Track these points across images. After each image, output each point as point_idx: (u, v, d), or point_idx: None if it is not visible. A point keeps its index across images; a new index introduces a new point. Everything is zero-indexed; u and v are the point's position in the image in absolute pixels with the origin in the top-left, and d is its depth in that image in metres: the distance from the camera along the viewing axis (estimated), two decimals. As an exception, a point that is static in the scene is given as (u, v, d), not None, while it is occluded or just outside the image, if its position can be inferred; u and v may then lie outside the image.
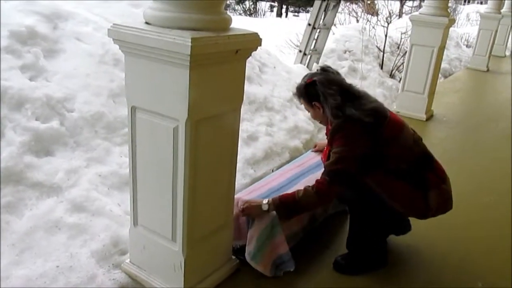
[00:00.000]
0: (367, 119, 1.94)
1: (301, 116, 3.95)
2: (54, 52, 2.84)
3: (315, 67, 5.44)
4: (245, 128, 3.33)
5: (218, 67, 1.64)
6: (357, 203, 2.12)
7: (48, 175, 2.26)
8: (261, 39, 1.73)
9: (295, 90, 2.26)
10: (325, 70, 2.15)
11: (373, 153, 1.96)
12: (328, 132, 2.15)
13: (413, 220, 2.40)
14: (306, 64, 5.37)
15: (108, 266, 2.03)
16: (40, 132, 2.36)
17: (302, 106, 2.34)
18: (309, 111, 2.25)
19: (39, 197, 2.17)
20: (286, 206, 2.03)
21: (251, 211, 2.09)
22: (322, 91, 2.05)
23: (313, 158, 2.70)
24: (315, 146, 2.89)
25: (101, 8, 3.47)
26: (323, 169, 2.05)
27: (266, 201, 2.06)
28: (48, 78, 2.66)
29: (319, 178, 2.01)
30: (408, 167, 2.02)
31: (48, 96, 2.52)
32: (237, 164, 2.06)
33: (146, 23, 1.62)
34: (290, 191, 2.27)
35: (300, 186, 2.36)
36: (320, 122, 2.27)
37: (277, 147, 3.38)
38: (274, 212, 2.07)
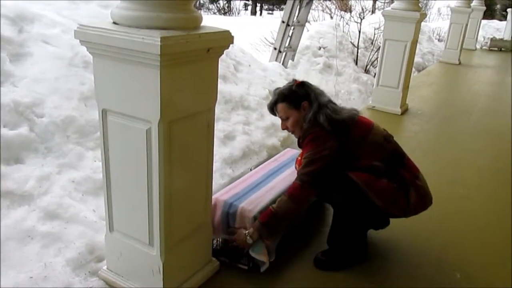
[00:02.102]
0: (328, 128, 2.02)
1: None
2: (20, 56, 2.75)
3: (290, 64, 5.45)
4: (221, 127, 3.30)
5: (190, 66, 1.61)
6: (340, 200, 2.11)
7: (19, 183, 2.19)
8: (233, 37, 1.70)
9: (274, 97, 2.22)
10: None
11: (343, 153, 2.03)
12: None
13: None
14: (281, 62, 5.38)
15: (84, 274, 1.98)
16: (8, 139, 2.29)
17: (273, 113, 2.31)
18: (287, 118, 2.19)
19: (10, 206, 2.10)
20: (267, 225, 2.02)
21: (243, 245, 2.05)
22: (313, 90, 2.15)
23: (289, 152, 2.70)
24: None
25: (69, 10, 3.39)
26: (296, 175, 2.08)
27: (247, 233, 2.02)
28: (15, 83, 2.58)
29: (292, 183, 2.05)
30: (382, 164, 2.05)
31: (16, 102, 2.44)
32: (215, 164, 2.04)
33: (114, 23, 1.57)
34: (268, 186, 2.29)
35: (277, 181, 2.36)
36: (294, 132, 2.22)
37: (255, 145, 3.37)
38: (253, 213, 2.06)
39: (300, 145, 2.17)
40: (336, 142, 2.03)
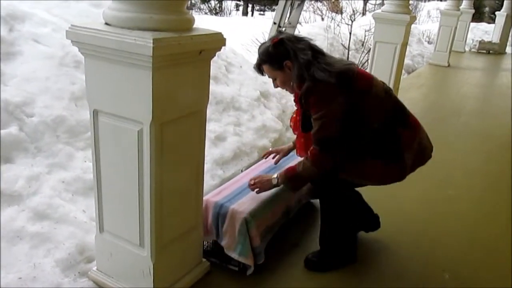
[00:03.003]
0: (333, 80, 1.87)
1: (269, 115, 3.96)
2: (10, 55, 2.73)
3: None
4: (212, 128, 3.30)
5: (182, 68, 1.62)
6: (328, 196, 2.12)
7: (8, 183, 2.17)
8: (225, 39, 1.71)
9: (258, 59, 2.06)
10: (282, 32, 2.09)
11: (351, 109, 1.90)
12: (297, 98, 2.06)
13: (382, 215, 2.44)
14: (272, 63, 5.38)
15: (74, 275, 1.97)
16: (-2, 139, 2.27)
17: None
18: (275, 79, 2.07)
19: (-1, 206, 2.08)
20: (291, 180, 2.05)
21: (263, 186, 2.13)
22: (292, 47, 1.96)
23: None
24: (266, 155, 2.61)
25: (60, 8, 3.36)
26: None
27: (276, 176, 2.09)
28: (5, 82, 2.56)
29: (311, 148, 1.97)
30: (381, 126, 1.97)
31: (6, 101, 2.42)
32: (206, 165, 2.04)
33: (106, 24, 1.57)
34: None
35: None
36: (286, 89, 2.12)
37: (246, 146, 3.37)
38: (243, 215, 2.06)
39: (301, 99, 1.98)
40: (343, 97, 1.87)
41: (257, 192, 2.18)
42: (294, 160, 2.61)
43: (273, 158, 2.55)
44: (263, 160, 2.64)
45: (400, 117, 2.06)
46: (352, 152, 1.98)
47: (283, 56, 1.97)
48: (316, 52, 1.98)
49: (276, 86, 2.13)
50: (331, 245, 2.21)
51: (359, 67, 2.06)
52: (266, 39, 2.05)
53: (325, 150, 1.93)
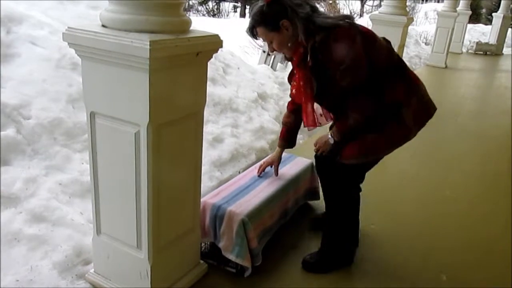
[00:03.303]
0: (344, 23, 1.78)
1: (267, 116, 3.96)
2: (7, 57, 2.73)
3: (279, 67, 5.46)
4: (210, 130, 3.30)
5: (179, 70, 1.62)
6: (338, 196, 2.12)
7: (5, 186, 2.16)
8: (222, 41, 1.71)
9: (250, 21, 1.90)
10: None
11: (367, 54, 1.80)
12: (298, 60, 1.92)
13: (379, 216, 2.44)
14: (270, 65, 5.39)
15: (71, 277, 1.96)
16: (-5, 141, 2.27)
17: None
18: (271, 41, 1.91)
19: (-4, 208, 2.08)
20: (345, 133, 1.93)
21: (325, 146, 2.02)
22: (289, 4, 1.81)
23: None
24: (261, 171, 2.49)
25: (57, 11, 3.37)
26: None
27: (330, 135, 1.98)
28: (2, 84, 2.56)
29: (351, 100, 1.87)
30: (383, 76, 1.86)
31: (3, 103, 2.42)
32: (203, 167, 2.04)
33: (103, 26, 1.57)
34: (256, 189, 2.31)
35: (265, 184, 2.36)
36: (284, 52, 1.97)
37: (243, 148, 3.38)
38: (241, 217, 2.06)
39: (298, 64, 1.91)
40: (359, 36, 1.77)
41: (323, 154, 2.07)
42: (290, 163, 2.61)
43: (270, 169, 2.50)
44: (261, 161, 2.64)
45: (400, 71, 1.96)
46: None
47: (279, 15, 1.82)
48: (313, 7, 1.87)
49: (272, 50, 1.97)
50: (333, 246, 2.21)
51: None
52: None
53: (365, 92, 1.82)
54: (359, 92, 1.83)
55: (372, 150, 1.97)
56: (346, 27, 1.77)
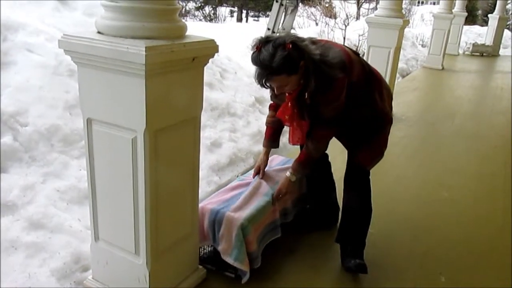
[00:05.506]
0: (341, 75, 1.92)
1: (264, 120, 3.95)
2: (4, 65, 2.73)
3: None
4: (208, 135, 3.30)
5: (175, 75, 1.62)
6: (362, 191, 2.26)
7: (3, 193, 2.16)
8: (218, 46, 1.71)
9: (268, 71, 1.85)
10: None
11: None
12: (295, 95, 2.00)
13: (377, 217, 2.44)
14: (267, 68, 5.39)
15: (69, 284, 1.96)
16: (-8, 149, 2.27)
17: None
18: (286, 85, 1.92)
19: (-7, 216, 2.08)
20: (305, 165, 2.20)
21: (287, 190, 2.27)
22: (303, 46, 1.86)
23: (275, 159, 2.71)
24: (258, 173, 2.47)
25: (53, 18, 3.37)
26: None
27: (289, 174, 2.24)
28: (-1, 92, 2.56)
29: (318, 129, 2.11)
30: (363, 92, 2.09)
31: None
32: (201, 172, 2.04)
33: (99, 32, 1.58)
34: (260, 192, 2.32)
35: (263, 188, 2.36)
36: (287, 91, 1.99)
37: (241, 152, 3.38)
38: (240, 221, 2.06)
39: (294, 97, 2.01)
40: (347, 82, 1.98)
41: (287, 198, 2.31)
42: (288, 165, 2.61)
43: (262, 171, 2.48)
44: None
45: (372, 76, 2.17)
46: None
47: (299, 59, 1.85)
48: (317, 46, 1.93)
49: (279, 92, 1.99)
50: (361, 239, 2.26)
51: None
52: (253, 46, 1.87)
53: (334, 126, 2.10)
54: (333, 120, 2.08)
55: (381, 148, 2.22)
56: (343, 78, 1.95)
